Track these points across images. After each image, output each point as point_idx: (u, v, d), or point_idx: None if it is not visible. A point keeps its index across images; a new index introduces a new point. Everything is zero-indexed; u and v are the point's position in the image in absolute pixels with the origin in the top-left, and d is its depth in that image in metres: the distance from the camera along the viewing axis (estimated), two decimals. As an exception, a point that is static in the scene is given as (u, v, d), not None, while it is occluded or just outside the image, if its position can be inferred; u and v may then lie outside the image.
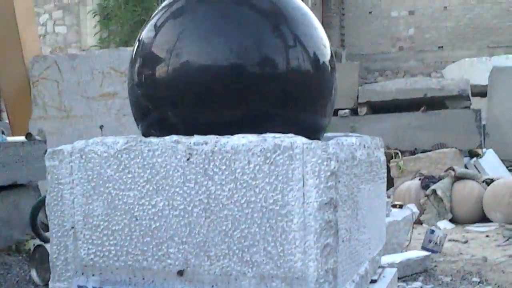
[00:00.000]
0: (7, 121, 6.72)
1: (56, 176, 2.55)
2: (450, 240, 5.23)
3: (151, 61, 2.55)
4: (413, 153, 8.93)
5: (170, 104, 2.51)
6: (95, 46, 11.24)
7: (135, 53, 2.65)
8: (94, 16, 11.42)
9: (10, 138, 4.33)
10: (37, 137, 4.40)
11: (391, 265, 3.32)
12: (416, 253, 3.77)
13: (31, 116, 5.79)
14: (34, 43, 6.38)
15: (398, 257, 3.54)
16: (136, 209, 2.44)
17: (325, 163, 2.20)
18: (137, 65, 2.61)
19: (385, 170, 3.04)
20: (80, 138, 2.64)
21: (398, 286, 3.13)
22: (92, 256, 2.52)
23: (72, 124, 5.64)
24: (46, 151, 2.65)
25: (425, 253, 3.82)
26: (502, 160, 8.88)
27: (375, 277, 2.87)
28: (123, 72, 5.35)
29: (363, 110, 9.47)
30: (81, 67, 5.63)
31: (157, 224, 2.41)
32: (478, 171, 8.16)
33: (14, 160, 3.98)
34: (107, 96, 5.52)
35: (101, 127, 5.41)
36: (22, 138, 4.26)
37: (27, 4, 6.49)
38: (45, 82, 5.75)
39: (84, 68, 5.61)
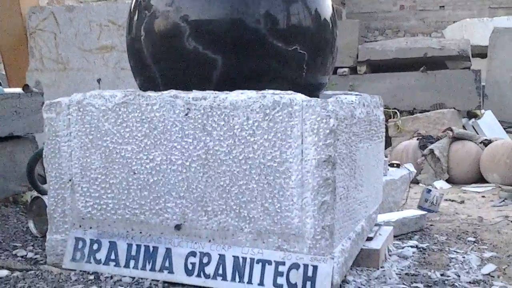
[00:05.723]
0: (4, 72, 6.66)
1: (53, 129, 2.54)
2: (446, 200, 5.24)
3: (150, 15, 2.51)
4: (411, 113, 8.90)
5: (168, 59, 2.48)
6: (93, -3, 11.08)
7: (134, 6, 2.61)
8: (93, -33, 11.20)
9: (7, 90, 4.28)
10: (34, 89, 4.36)
11: (387, 223, 3.34)
12: (412, 212, 3.77)
13: (28, 67, 5.74)
14: (32, -6, 6.29)
15: (394, 216, 3.54)
16: (134, 163, 2.44)
17: (324, 120, 2.18)
18: (135, 18, 2.57)
19: (383, 129, 3.03)
20: (77, 91, 2.61)
21: (394, 244, 3.15)
22: (89, 209, 2.52)
23: (69, 76, 5.60)
24: (43, 103, 2.63)
25: (421, 212, 3.82)
26: (500, 122, 8.87)
27: (371, 235, 2.89)
28: (121, 25, 5.29)
29: (362, 69, 9.39)
30: (79, 19, 5.55)
31: (155, 179, 2.41)
32: (476, 132, 8.15)
33: (11, 111, 3.95)
34: (104, 49, 5.46)
35: (99, 80, 5.37)
36: (19, 90, 4.21)
37: (25, -47, 6.38)
38: (42, 33, 5.68)
39: (82, 20, 5.54)
